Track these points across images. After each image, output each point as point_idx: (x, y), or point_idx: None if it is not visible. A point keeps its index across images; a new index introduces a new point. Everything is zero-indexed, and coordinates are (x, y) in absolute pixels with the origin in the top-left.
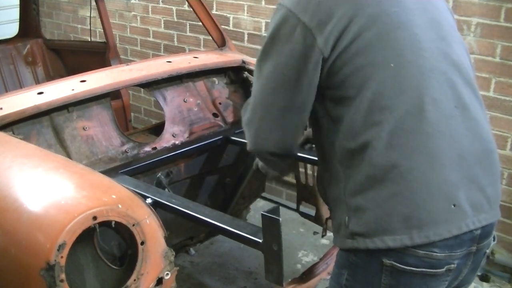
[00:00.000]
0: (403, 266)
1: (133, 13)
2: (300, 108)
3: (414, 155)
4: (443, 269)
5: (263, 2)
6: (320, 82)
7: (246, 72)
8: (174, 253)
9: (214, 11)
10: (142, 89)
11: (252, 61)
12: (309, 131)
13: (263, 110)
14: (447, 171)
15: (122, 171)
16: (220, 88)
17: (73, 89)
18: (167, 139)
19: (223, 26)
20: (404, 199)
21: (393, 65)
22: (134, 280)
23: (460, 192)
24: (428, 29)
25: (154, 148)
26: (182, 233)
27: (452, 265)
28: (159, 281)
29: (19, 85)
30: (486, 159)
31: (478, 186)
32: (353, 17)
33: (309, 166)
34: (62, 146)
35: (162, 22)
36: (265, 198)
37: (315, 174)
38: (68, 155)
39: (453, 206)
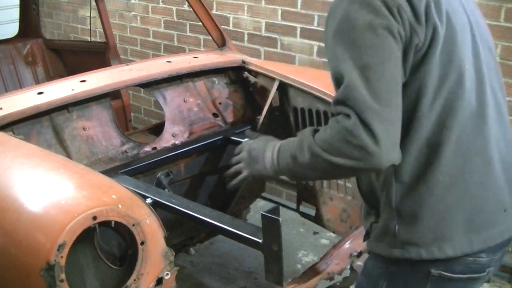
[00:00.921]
0: (450, 275)
1: (133, 13)
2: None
3: (474, 159)
4: (485, 273)
5: (263, 2)
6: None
7: (246, 72)
8: (174, 253)
9: (214, 11)
10: (142, 89)
11: (252, 61)
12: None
13: (391, 106)
14: (498, 175)
15: (122, 171)
16: (220, 88)
17: (73, 89)
18: (167, 139)
19: (223, 26)
20: (465, 204)
21: (468, 67)
22: (134, 280)
23: (508, 196)
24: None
25: (154, 148)
26: (182, 233)
27: (492, 268)
28: (159, 281)
29: (19, 85)
30: None
31: None
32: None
33: None
34: (62, 146)
35: (162, 22)
36: (265, 198)
37: None
38: (68, 155)
39: (504, 211)
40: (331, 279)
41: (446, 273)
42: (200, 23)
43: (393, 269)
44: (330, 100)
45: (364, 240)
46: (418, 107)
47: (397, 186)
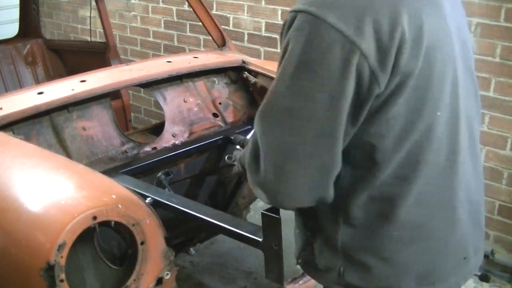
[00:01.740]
0: None
1: (133, 13)
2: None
3: (438, 213)
4: None
5: (263, 2)
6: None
7: (246, 72)
8: (174, 253)
9: (214, 11)
10: (142, 89)
11: (252, 61)
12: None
13: (292, 163)
14: (462, 225)
15: (122, 171)
16: (220, 88)
17: (73, 89)
18: (167, 139)
19: (223, 26)
20: (423, 260)
21: (439, 114)
22: (134, 280)
23: (470, 242)
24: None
25: (154, 148)
26: (182, 233)
27: None
28: (159, 281)
29: (19, 85)
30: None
31: (480, 228)
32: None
33: None
34: (62, 146)
35: (162, 22)
36: None
37: None
38: (68, 155)
39: (464, 259)
40: None
41: None
42: (200, 23)
43: None
44: None
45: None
46: (373, 158)
47: (344, 229)
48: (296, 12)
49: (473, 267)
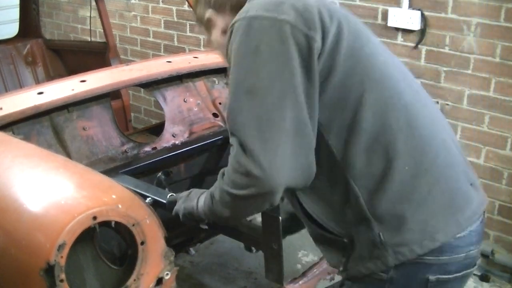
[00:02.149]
0: (447, 276)
1: (133, 13)
2: (312, 120)
3: (434, 143)
4: (476, 265)
5: None
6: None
7: None
8: (174, 253)
9: None
10: (142, 89)
11: None
12: None
13: (272, 131)
14: (455, 152)
15: (122, 171)
16: (220, 88)
17: (73, 89)
18: (167, 139)
19: None
20: (441, 187)
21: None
22: (134, 280)
23: (469, 171)
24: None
25: (154, 148)
26: (182, 233)
27: (478, 259)
28: (159, 281)
29: (19, 85)
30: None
31: (469, 169)
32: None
33: None
34: (62, 146)
35: (162, 22)
36: None
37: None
38: (68, 155)
39: (470, 185)
40: (331, 279)
41: (443, 276)
42: None
43: (388, 286)
44: None
45: (339, 273)
46: (351, 109)
47: (363, 194)
48: (233, 24)
49: (482, 198)
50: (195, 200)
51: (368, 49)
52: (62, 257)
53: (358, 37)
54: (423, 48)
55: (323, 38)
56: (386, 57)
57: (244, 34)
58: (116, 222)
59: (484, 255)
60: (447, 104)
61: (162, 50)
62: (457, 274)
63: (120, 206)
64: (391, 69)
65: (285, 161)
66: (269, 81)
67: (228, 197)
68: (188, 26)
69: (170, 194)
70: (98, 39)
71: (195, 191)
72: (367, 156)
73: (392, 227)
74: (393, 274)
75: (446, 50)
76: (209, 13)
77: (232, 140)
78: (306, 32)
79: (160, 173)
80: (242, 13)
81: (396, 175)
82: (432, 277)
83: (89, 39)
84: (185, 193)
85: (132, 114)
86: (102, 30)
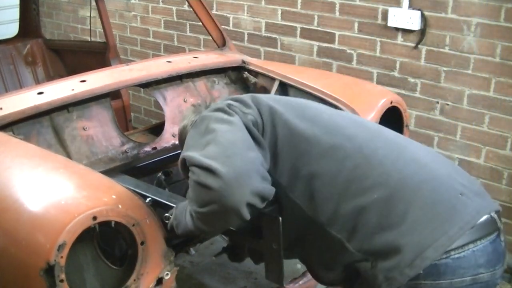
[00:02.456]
0: None
1: (133, 13)
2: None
3: (408, 163)
4: None
5: (263, 2)
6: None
7: (246, 72)
8: (174, 253)
9: (214, 11)
10: (142, 89)
11: (252, 61)
12: None
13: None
14: (439, 172)
15: (122, 171)
16: (220, 88)
17: (73, 89)
18: (167, 139)
19: (223, 26)
20: (419, 202)
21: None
22: (134, 280)
23: (458, 185)
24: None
25: (154, 148)
26: None
27: (498, 286)
28: (159, 281)
29: (19, 85)
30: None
31: (460, 177)
32: None
33: None
34: (62, 146)
35: (162, 22)
36: None
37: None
38: (68, 155)
39: (460, 195)
40: None
41: None
42: (200, 23)
43: None
44: (330, 100)
45: None
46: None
47: (344, 237)
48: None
49: (482, 204)
50: (183, 219)
51: (304, 120)
52: (62, 257)
53: (286, 123)
54: (423, 48)
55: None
56: (330, 113)
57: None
58: (116, 222)
59: None
60: (447, 104)
61: (162, 50)
62: None
63: (120, 206)
64: (338, 120)
65: (243, 168)
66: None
67: (202, 216)
68: (188, 26)
69: (166, 215)
70: (98, 39)
71: (180, 209)
72: (333, 202)
73: (384, 256)
74: None
75: (446, 50)
76: None
77: (190, 171)
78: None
79: (160, 173)
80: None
81: (369, 206)
82: None
83: (89, 39)
84: (173, 212)
85: (132, 114)
86: (102, 30)
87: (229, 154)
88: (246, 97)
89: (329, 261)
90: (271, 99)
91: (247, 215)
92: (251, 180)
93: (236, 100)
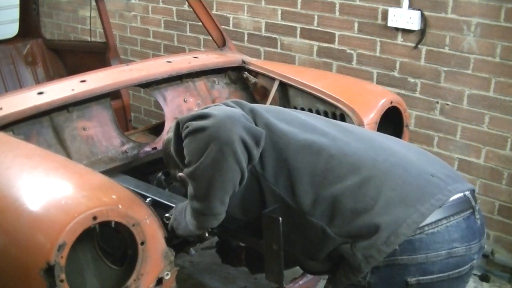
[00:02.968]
0: (429, 277)
1: (133, 13)
2: None
3: (379, 152)
4: (468, 266)
5: (263, 2)
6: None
7: (246, 72)
8: (174, 253)
9: (214, 11)
10: (142, 89)
11: (252, 61)
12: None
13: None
14: (409, 159)
15: (122, 171)
16: (220, 88)
17: (73, 89)
18: None
19: (223, 26)
20: (389, 184)
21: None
22: (134, 280)
23: (429, 168)
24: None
25: (154, 148)
26: None
27: (475, 261)
28: (159, 281)
29: (19, 85)
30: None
31: (434, 163)
32: None
33: None
34: (62, 146)
35: (162, 22)
36: None
37: None
38: (68, 155)
39: (431, 176)
40: None
41: (424, 277)
42: (200, 23)
43: None
44: (330, 100)
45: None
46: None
47: (325, 222)
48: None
49: (454, 185)
50: (183, 220)
51: (282, 121)
52: (62, 257)
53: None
54: (423, 48)
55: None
56: (304, 117)
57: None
58: (116, 222)
59: (484, 255)
60: (447, 104)
61: (162, 50)
62: (442, 275)
63: (120, 206)
64: (313, 121)
65: (231, 111)
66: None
67: (205, 172)
68: (188, 26)
69: (166, 215)
70: (98, 39)
71: (179, 209)
72: (312, 192)
73: (362, 237)
74: (370, 279)
75: (446, 50)
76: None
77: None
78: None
79: (160, 173)
80: None
81: (344, 193)
82: (411, 280)
83: (89, 39)
84: (172, 213)
85: (132, 114)
86: (102, 30)
87: (218, 109)
88: (229, 101)
89: (313, 249)
90: (251, 104)
91: (243, 153)
92: (241, 119)
93: (217, 104)
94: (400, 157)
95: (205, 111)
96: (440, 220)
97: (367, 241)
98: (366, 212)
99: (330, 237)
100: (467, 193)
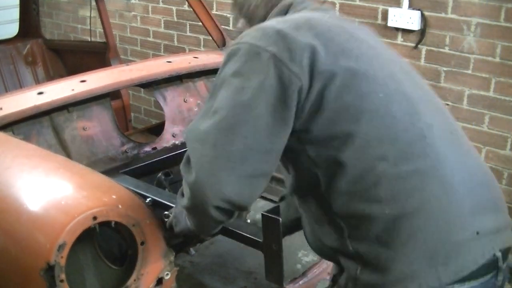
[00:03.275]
0: None
1: (133, 13)
2: (267, 153)
3: (430, 181)
4: None
5: None
6: (299, 125)
7: None
8: (174, 253)
9: (214, 11)
10: (142, 89)
11: None
12: None
13: (217, 151)
14: (461, 197)
15: (122, 171)
16: None
17: (73, 89)
18: (167, 139)
19: (223, 26)
20: (426, 234)
21: (382, 95)
22: (134, 280)
23: (479, 220)
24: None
25: (154, 148)
26: None
27: None
28: (159, 281)
29: (19, 85)
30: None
31: (487, 210)
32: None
33: None
34: (62, 146)
35: (162, 22)
36: (265, 198)
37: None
38: (68, 155)
39: (477, 234)
40: (331, 279)
41: None
42: (200, 23)
43: None
44: None
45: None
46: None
47: (347, 228)
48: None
49: (496, 238)
50: (183, 218)
51: (368, 83)
52: (62, 257)
53: (355, 75)
54: (423, 48)
55: (311, 77)
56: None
57: (229, 60)
58: (116, 222)
59: None
60: (447, 104)
61: (162, 50)
62: None
63: (120, 206)
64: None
65: (217, 169)
66: (230, 108)
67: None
68: (188, 26)
69: (165, 213)
70: (98, 39)
71: (179, 208)
72: (348, 196)
73: (371, 267)
74: None
75: (446, 50)
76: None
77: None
78: (289, 67)
79: (160, 174)
80: (238, 38)
81: (377, 217)
82: None
83: (89, 39)
84: (173, 211)
85: (132, 114)
86: (102, 30)
87: (208, 148)
88: (307, 49)
89: (320, 235)
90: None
91: (219, 217)
92: (225, 185)
93: (289, 49)
94: (458, 200)
95: (192, 162)
96: (451, 284)
97: (373, 275)
98: (388, 248)
99: (345, 244)
100: (498, 254)
